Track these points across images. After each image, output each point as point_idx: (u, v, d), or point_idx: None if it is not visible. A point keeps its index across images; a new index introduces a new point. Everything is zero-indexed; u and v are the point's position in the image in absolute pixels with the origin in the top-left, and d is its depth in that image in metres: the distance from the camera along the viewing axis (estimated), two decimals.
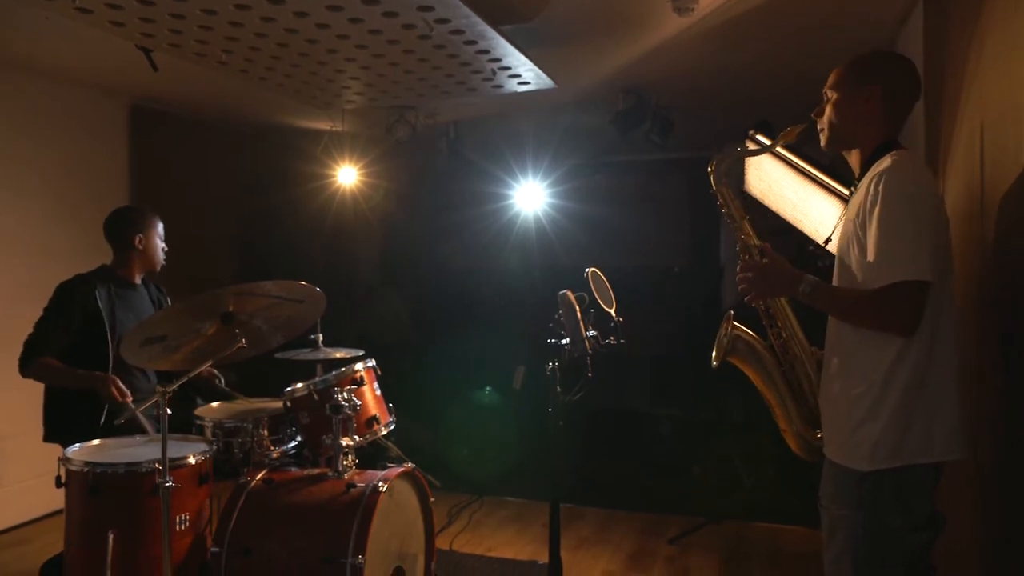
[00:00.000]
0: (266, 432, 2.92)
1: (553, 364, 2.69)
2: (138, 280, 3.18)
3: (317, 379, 2.92)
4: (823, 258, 3.22)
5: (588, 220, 5.99)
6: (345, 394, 2.78)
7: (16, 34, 3.64)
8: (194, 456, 2.54)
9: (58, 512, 2.69)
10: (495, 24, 3.16)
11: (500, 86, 4.13)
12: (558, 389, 2.71)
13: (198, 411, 3.01)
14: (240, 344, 2.66)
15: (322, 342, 3.13)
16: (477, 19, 3.02)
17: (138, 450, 2.61)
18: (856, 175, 1.99)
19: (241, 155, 5.96)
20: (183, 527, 2.49)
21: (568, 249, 5.98)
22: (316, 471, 2.84)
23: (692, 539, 4.06)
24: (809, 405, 2.10)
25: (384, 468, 2.84)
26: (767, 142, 2.54)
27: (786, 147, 2.87)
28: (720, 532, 4.16)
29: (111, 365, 2.91)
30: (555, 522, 2.72)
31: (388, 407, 3.09)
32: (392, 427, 3.07)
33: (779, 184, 3.26)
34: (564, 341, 2.67)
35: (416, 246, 7.12)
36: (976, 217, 2.33)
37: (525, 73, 3.89)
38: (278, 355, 3.09)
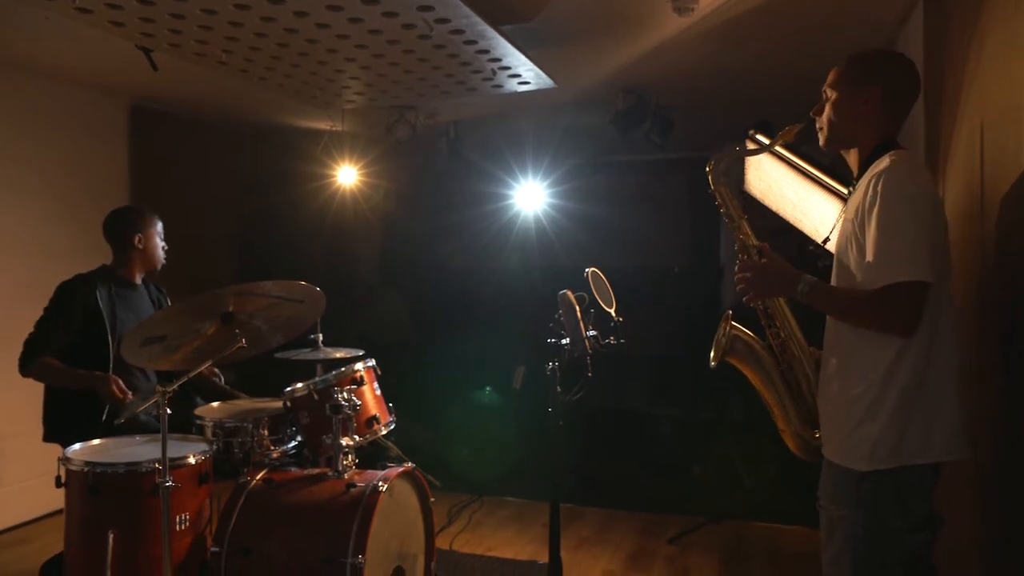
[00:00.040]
0: (266, 432, 2.92)
1: (553, 364, 2.69)
2: (138, 280, 3.18)
3: (317, 379, 2.92)
4: (823, 258, 3.21)
5: (588, 220, 5.99)
6: (345, 394, 2.78)
7: (16, 34, 3.64)
8: (194, 456, 2.55)
9: (58, 512, 2.69)
10: (495, 24, 3.16)
11: (500, 86, 4.13)
12: (558, 389, 2.71)
13: (198, 411, 3.01)
14: (240, 344, 2.66)
15: (322, 342, 3.13)
16: (477, 19, 3.03)
17: (138, 450, 2.61)
18: (854, 174, 1.99)
19: (241, 155, 5.96)
20: (183, 527, 2.49)
21: (568, 249, 5.98)
22: (316, 471, 2.84)
23: (692, 539, 4.06)
24: (807, 405, 2.10)
25: (384, 468, 2.84)
26: (766, 142, 2.54)
27: (785, 146, 2.86)
28: (720, 532, 4.16)
29: (111, 365, 2.92)
30: (555, 522, 2.72)
31: (388, 407, 3.09)
32: (392, 427, 3.07)
33: (779, 184, 3.26)
34: (564, 341, 2.67)
35: (416, 246, 7.12)
36: (976, 217, 2.33)
37: (525, 73, 3.89)
38: (278, 355, 3.09)
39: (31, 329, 2.95)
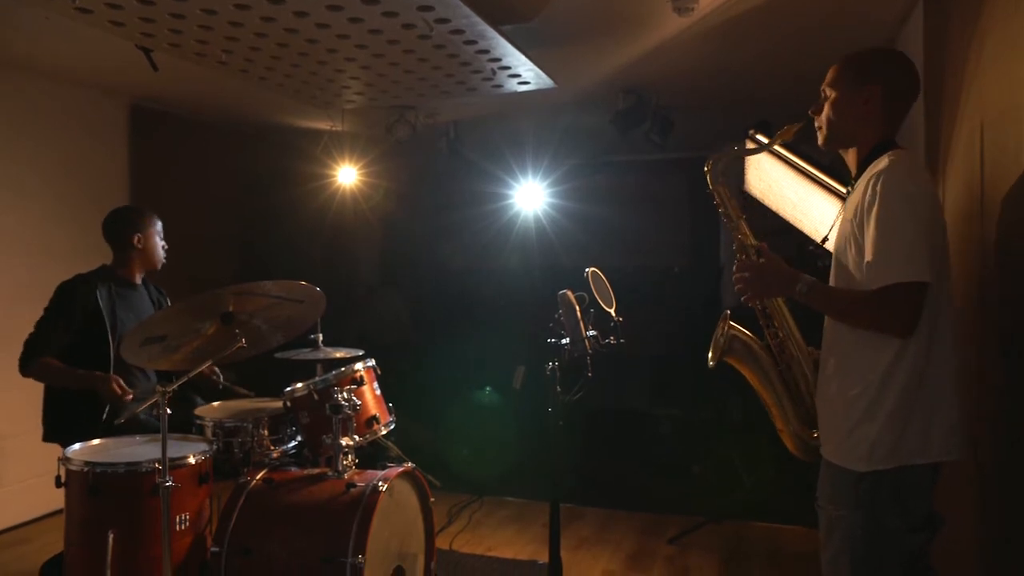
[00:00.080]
0: (266, 432, 2.92)
1: (553, 364, 2.69)
2: (138, 280, 3.19)
3: (317, 379, 2.92)
4: (823, 258, 3.21)
5: (588, 220, 5.99)
6: (345, 394, 2.78)
7: (16, 34, 3.65)
8: (194, 456, 2.55)
9: (58, 512, 2.69)
10: (495, 24, 3.16)
11: (500, 86, 4.13)
12: (558, 389, 2.71)
13: (198, 411, 3.01)
14: (240, 344, 2.66)
15: (322, 342, 3.14)
16: (477, 19, 3.03)
17: (138, 450, 2.61)
18: (853, 174, 1.99)
19: (241, 155, 5.96)
20: (183, 527, 2.49)
21: (568, 249, 5.98)
22: (316, 471, 2.84)
23: (692, 539, 4.06)
24: (806, 405, 2.09)
25: (384, 468, 2.85)
26: (765, 141, 2.54)
27: (785, 146, 2.86)
28: (720, 532, 4.16)
29: (112, 365, 2.92)
30: (555, 522, 2.72)
31: (388, 407, 3.09)
32: (392, 427, 3.08)
33: (779, 184, 3.26)
34: (564, 341, 2.67)
35: (416, 246, 7.12)
36: (976, 217, 2.33)
37: (525, 73, 3.89)
38: (278, 355, 3.10)
39: (31, 329, 2.95)
